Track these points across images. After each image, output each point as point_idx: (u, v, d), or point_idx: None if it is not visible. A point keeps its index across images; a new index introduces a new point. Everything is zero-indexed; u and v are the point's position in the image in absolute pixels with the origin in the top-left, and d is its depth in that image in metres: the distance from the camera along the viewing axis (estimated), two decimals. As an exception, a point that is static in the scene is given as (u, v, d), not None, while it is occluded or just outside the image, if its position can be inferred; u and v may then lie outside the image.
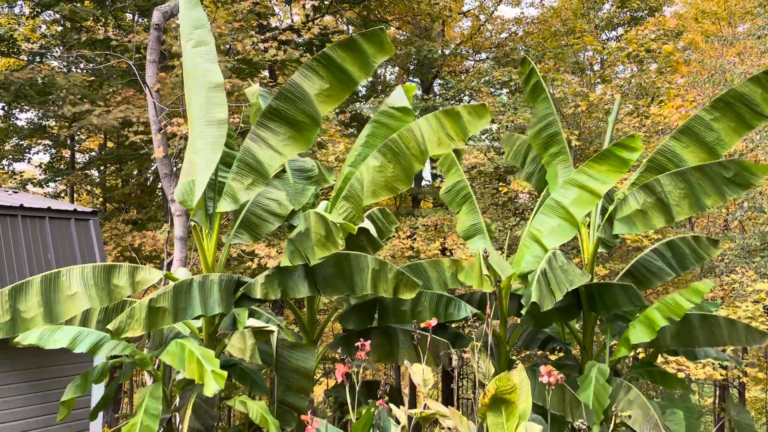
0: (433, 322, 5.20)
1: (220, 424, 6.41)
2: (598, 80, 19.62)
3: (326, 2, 19.40)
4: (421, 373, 5.86)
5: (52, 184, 18.96)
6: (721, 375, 12.49)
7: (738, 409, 7.04)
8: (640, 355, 8.62)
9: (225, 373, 5.14)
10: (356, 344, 4.90)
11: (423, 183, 21.19)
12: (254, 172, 6.47)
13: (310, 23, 16.81)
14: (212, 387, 5.00)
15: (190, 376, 5.25)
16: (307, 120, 6.48)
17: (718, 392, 19.17)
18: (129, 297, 6.52)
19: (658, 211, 6.96)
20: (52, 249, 7.44)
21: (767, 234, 14.54)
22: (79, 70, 16.95)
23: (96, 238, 7.82)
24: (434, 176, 21.96)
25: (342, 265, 6.43)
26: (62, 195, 19.22)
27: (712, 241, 7.97)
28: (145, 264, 14.13)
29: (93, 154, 20.85)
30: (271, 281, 6.29)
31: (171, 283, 6.07)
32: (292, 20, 19.15)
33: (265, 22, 18.44)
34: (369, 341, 5.15)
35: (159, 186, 20.90)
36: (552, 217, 6.99)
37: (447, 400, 18.60)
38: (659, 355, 9.43)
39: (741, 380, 16.46)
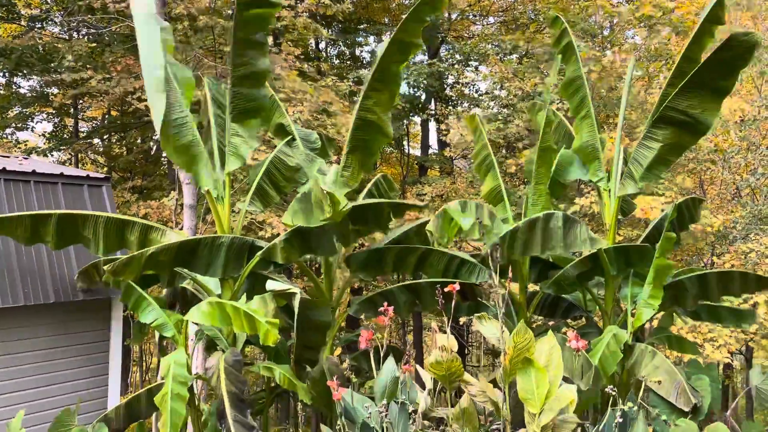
0: (456, 286, 5.10)
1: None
2: (608, 44, 19.25)
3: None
4: (446, 339, 5.80)
5: (56, 153, 18.75)
6: (731, 344, 12.45)
7: (765, 377, 6.92)
8: (654, 322, 8.59)
9: (278, 321, 5.19)
10: (380, 309, 4.85)
11: (430, 151, 20.97)
12: (249, 115, 6.34)
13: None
14: (272, 336, 5.01)
15: (240, 331, 5.29)
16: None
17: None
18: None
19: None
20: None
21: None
22: (81, 35, 16.62)
23: (109, 204, 7.70)
24: (441, 144, 21.74)
25: (358, 215, 6.38)
26: (66, 164, 19.03)
27: (699, 200, 8.18)
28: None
29: (96, 122, 20.58)
30: (291, 243, 6.19)
31: (177, 240, 6.03)
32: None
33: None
34: (392, 307, 5.07)
35: (164, 154, 20.72)
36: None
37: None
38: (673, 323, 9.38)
39: (748, 344, 16.46)
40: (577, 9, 17.73)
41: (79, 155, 18.95)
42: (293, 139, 7.30)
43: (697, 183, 16.80)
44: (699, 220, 8.11)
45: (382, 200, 6.25)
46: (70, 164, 18.88)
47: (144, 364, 20.54)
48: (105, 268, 5.79)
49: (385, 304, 5.03)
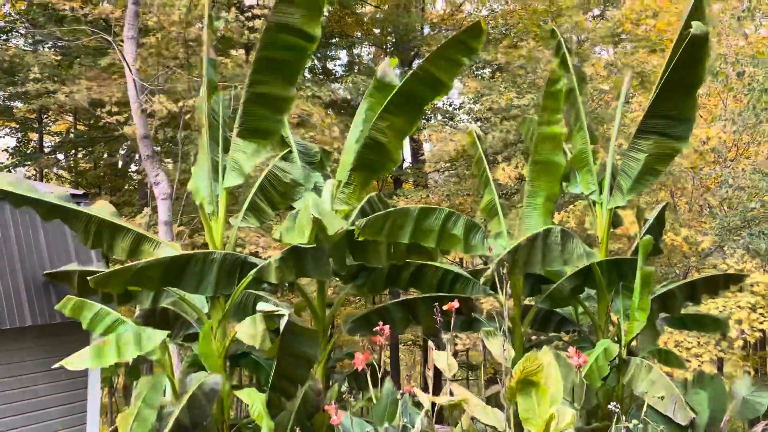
0: (455, 304, 4.99)
1: (231, 414, 6.09)
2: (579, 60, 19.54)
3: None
4: (445, 358, 5.67)
5: (19, 169, 18.12)
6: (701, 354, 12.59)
7: (755, 388, 6.97)
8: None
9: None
10: (376, 329, 4.72)
11: (405, 165, 20.92)
12: (258, 135, 6.18)
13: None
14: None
15: None
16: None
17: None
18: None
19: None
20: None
21: (747, 212, 14.71)
22: (47, 48, 16.15)
23: (88, 222, 7.37)
24: (415, 157, 21.74)
25: (355, 241, 6.22)
26: (32, 180, 18.41)
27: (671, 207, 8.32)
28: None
29: (69, 136, 20.00)
30: (286, 262, 6.00)
31: (169, 254, 5.79)
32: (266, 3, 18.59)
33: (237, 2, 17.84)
34: (388, 325, 4.93)
35: (132, 169, 20.21)
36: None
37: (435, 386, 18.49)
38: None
39: (718, 355, 16.75)
40: (550, 26, 17.97)
41: (44, 171, 18.36)
42: (290, 152, 7.15)
43: (668, 194, 17.11)
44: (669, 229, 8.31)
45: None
46: (35, 180, 18.27)
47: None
48: (89, 279, 5.48)
49: (381, 323, 4.88)
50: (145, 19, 13.30)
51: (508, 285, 4.71)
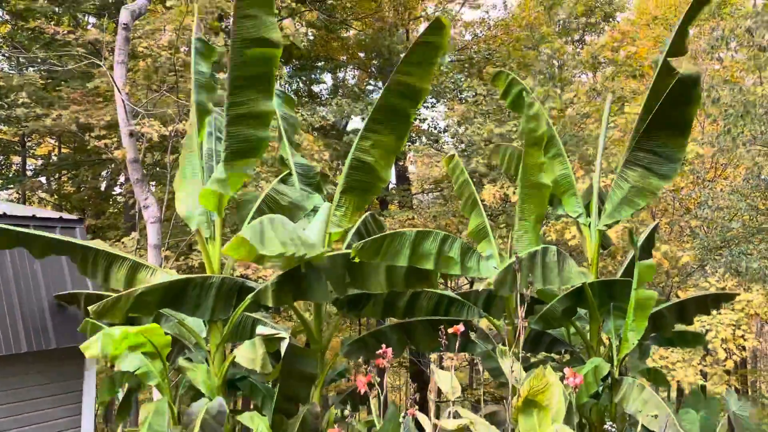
0: (461, 327, 5.07)
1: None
2: (558, 85, 19.95)
3: (284, 4, 19.04)
4: (449, 380, 5.72)
5: (1, 193, 17.95)
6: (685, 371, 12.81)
7: (741, 403, 7.12)
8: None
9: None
10: (377, 351, 4.77)
11: (390, 186, 21.09)
12: (245, 155, 6.17)
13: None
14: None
15: None
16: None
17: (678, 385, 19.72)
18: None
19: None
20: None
21: (727, 232, 15.05)
22: (31, 70, 16.10)
23: (83, 247, 7.36)
24: (399, 179, 21.91)
25: (353, 264, 6.28)
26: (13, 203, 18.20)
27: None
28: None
29: (51, 159, 19.84)
30: (283, 287, 6.05)
31: (167, 279, 5.81)
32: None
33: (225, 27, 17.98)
34: (390, 348, 5.00)
35: (116, 191, 20.08)
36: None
37: (421, 407, 18.46)
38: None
39: (704, 370, 16.99)
40: (533, 53, 18.38)
41: (26, 194, 18.19)
42: (290, 174, 7.20)
43: (649, 215, 17.43)
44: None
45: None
46: (18, 203, 18.09)
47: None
48: (89, 309, 5.50)
49: (384, 346, 4.94)
50: (135, 44, 13.37)
51: (522, 309, 4.80)
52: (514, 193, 16.43)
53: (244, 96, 5.68)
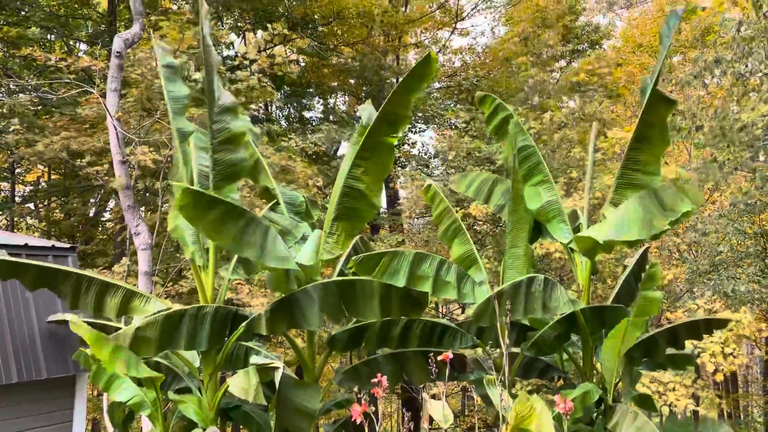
0: (450, 354, 5.09)
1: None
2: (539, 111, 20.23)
3: (275, 33, 19.26)
4: (441, 409, 5.72)
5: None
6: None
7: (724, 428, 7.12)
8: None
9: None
10: (372, 380, 4.76)
11: (381, 211, 21.16)
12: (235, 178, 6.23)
13: (262, 53, 16.63)
14: None
15: None
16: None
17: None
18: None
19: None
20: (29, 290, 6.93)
21: (716, 256, 15.19)
22: (23, 97, 16.12)
23: (75, 275, 7.33)
24: (390, 203, 21.99)
25: (347, 292, 6.31)
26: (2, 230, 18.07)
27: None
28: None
29: (40, 185, 19.77)
30: (276, 315, 6.05)
31: (161, 308, 5.79)
32: (245, 54, 18.96)
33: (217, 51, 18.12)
34: (384, 376, 4.99)
35: (105, 217, 20.00)
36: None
37: None
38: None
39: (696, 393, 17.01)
40: (521, 78, 18.66)
41: (15, 221, 18.08)
42: (277, 203, 7.24)
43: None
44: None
45: (373, 279, 6.16)
46: (7, 230, 17.96)
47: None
48: (88, 351, 5.44)
49: (378, 375, 4.93)
50: (128, 72, 13.45)
51: (506, 335, 4.82)
52: (499, 218, 16.55)
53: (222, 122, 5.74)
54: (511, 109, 8.29)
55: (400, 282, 5.95)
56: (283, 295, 6.20)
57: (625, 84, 22.75)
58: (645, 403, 8.26)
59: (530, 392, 6.95)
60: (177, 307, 6.24)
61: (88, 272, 6.06)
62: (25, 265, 5.87)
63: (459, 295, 6.30)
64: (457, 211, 17.77)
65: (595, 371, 7.69)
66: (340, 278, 6.61)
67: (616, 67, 23.40)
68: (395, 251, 6.09)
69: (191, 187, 5.15)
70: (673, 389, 11.29)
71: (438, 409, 5.65)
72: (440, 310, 20.64)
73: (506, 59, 20.66)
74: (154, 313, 5.70)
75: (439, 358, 5.06)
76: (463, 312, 15.80)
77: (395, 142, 6.25)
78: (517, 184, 7.94)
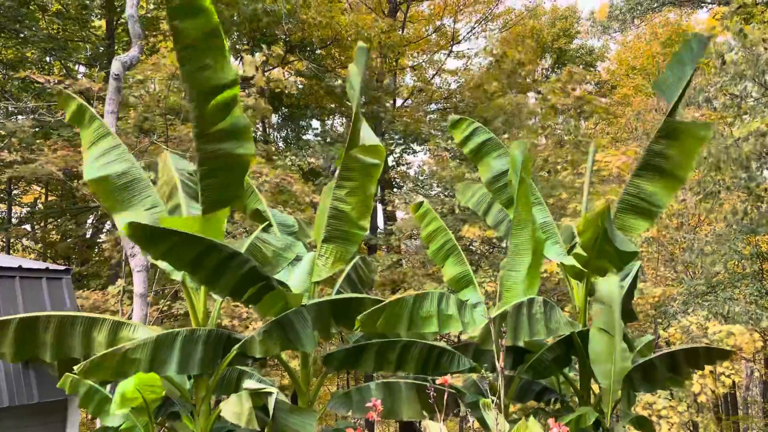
0: (449, 378, 5.06)
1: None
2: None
3: (273, 55, 19.39)
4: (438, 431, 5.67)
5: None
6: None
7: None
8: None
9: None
10: (366, 404, 4.72)
11: (378, 231, 21.15)
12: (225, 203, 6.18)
13: (260, 75, 16.74)
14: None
15: None
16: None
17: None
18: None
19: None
20: (22, 310, 6.88)
21: (712, 277, 15.20)
22: (22, 119, 16.20)
23: (69, 298, 7.30)
24: (387, 222, 21.98)
25: (341, 309, 6.28)
26: (-3, 251, 18.03)
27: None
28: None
29: (36, 206, 19.74)
30: (270, 336, 6.01)
31: (153, 335, 5.73)
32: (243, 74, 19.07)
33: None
34: (379, 401, 4.95)
35: (101, 238, 19.96)
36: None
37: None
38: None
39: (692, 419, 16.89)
40: (514, 100, 18.78)
41: (11, 242, 18.05)
42: (270, 225, 7.22)
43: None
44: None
45: (364, 296, 6.13)
46: (2, 252, 17.91)
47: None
48: (75, 368, 5.38)
49: (373, 399, 4.88)
50: (126, 94, 13.53)
51: (502, 357, 4.79)
52: (495, 238, 16.55)
53: (216, 147, 5.55)
54: (492, 134, 8.18)
55: (402, 329, 6.05)
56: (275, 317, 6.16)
57: (616, 105, 22.96)
58: (643, 425, 8.20)
59: (527, 415, 6.88)
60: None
61: (71, 313, 5.95)
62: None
63: (463, 326, 6.29)
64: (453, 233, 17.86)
65: (593, 393, 7.64)
66: (335, 297, 6.58)
67: (611, 90, 23.60)
68: (397, 300, 6.09)
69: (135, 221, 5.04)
70: (668, 417, 11.22)
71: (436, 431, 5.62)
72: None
73: (477, 87, 20.59)
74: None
75: (438, 381, 5.04)
76: (459, 337, 15.73)
77: (377, 161, 6.28)
78: (516, 211, 7.93)
